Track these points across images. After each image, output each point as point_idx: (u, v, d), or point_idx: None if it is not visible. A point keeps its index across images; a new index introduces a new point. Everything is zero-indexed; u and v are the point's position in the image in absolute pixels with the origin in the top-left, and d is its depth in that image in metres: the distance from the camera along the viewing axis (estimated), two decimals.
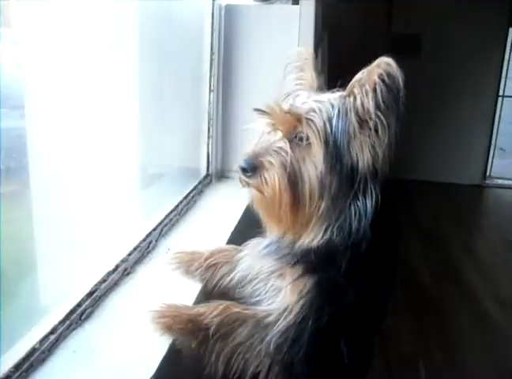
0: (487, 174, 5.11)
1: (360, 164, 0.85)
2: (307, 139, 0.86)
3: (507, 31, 4.72)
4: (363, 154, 0.85)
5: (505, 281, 2.96)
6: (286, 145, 0.87)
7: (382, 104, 0.84)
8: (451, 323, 2.43)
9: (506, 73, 4.95)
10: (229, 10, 1.65)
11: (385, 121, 0.85)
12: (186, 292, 0.99)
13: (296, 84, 1.03)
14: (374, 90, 0.84)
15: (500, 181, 5.07)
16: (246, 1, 1.72)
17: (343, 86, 0.94)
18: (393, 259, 0.96)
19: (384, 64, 0.85)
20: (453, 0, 4.54)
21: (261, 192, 0.87)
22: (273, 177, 0.85)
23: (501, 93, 5.00)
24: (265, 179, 0.86)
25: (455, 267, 3.07)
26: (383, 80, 0.84)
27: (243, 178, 0.88)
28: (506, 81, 4.97)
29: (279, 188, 0.85)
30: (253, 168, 0.87)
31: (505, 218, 4.09)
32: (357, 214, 0.86)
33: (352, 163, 0.85)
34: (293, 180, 0.85)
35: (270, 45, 1.66)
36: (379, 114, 0.85)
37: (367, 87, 0.85)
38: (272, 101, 0.90)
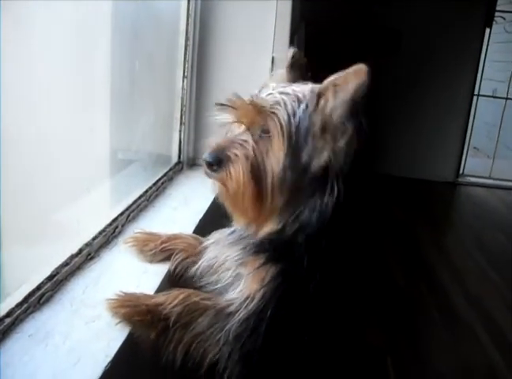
0: (461, 171, 5.17)
1: (316, 164, 0.86)
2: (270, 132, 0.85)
3: (483, 31, 4.77)
4: (319, 156, 0.86)
5: (474, 278, 3.00)
6: (249, 138, 0.86)
7: (349, 114, 0.86)
8: (420, 319, 2.45)
9: (482, 73, 5.01)
10: None
11: (348, 130, 0.87)
12: (149, 279, 0.98)
13: (269, 78, 1.02)
14: (348, 100, 0.85)
15: (472, 179, 5.14)
16: None
17: (315, 79, 0.93)
18: (351, 253, 0.97)
19: (362, 73, 0.87)
20: None
21: (225, 185, 0.86)
22: (238, 170, 0.85)
23: (476, 92, 5.06)
24: (230, 173, 0.85)
25: (426, 263, 3.10)
26: (357, 92, 0.86)
27: (208, 171, 0.87)
28: (481, 81, 5.03)
29: (243, 181, 0.84)
30: (217, 161, 0.86)
31: (476, 215, 4.13)
32: (316, 209, 0.86)
33: (311, 160, 0.85)
34: (256, 173, 0.85)
35: (246, 32, 1.65)
36: (344, 122, 0.86)
37: (342, 95, 0.86)
38: (234, 94, 0.89)
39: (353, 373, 1.16)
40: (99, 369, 0.72)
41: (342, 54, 3.13)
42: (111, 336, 0.79)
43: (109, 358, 0.74)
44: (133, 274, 1.00)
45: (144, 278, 0.98)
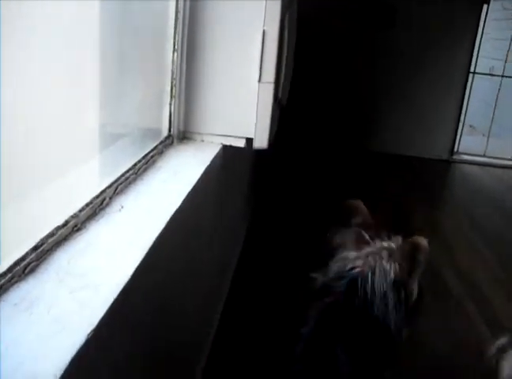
0: (455, 149, 5.17)
1: None
2: None
3: (481, 7, 4.73)
4: None
5: (466, 254, 3.02)
6: None
7: None
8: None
9: (478, 50, 4.98)
10: None
11: None
12: (134, 250, 0.98)
13: None
14: None
15: (467, 157, 5.14)
16: None
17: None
18: None
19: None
20: None
21: None
22: None
23: (472, 70, 5.04)
24: None
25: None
26: None
27: None
28: (477, 58, 5.00)
29: None
30: None
31: (469, 193, 4.15)
32: None
33: None
34: None
35: (238, 5, 1.63)
36: None
37: None
38: None
39: None
40: (82, 337, 0.72)
41: (336, 28, 3.13)
42: (95, 305, 0.79)
43: (92, 327, 0.74)
44: (119, 245, 1.00)
45: (129, 249, 0.98)
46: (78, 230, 1.04)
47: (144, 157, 1.44)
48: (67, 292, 0.83)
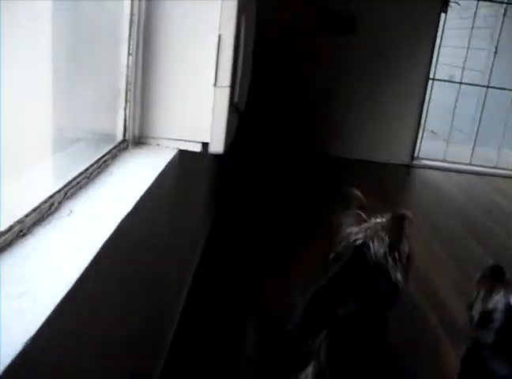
0: (416, 155, 5.26)
1: None
2: None
3: (439, 16, 4.83)
4: None
5: (424, 258, 3.07)
6: None
7: None
8: None
9: (437, 58, 5.08)
10: None
11: None
12: (82, 256, 0.96)
13: None
14: None
15: (427, 162, 5.24)
16: None
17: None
18: None
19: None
20: None
21: None
22: None
23: (432, 77, 5.14)
24: None
25: None
26: None
27: None
28: (436, 65, 5.11)
29: None
30: None
31: (428, 197, 4.21)
32: None
33: None
34: None
35: (193, 8, 1.62)
36: None
37: None
38: None
39: None
40: (20, 344, 0.70)
41: (296, 30, 3.15)
42: (35, 312, 0.77)
43: (30, 334, 0.72)
44: (65, 251, 0.98)
45: (76, 255, 0.96)
46: (23, 235, 1.01)
47: (96, 161, 1.42)
48: (7, 298, 0.81)
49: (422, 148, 5.31)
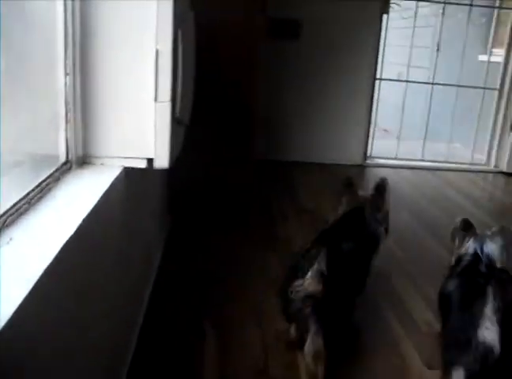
0: (369, 154, 5.35)
1: None
2: None
3: (381, 17, 4.94)
4: None
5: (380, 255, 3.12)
6: None
7: None
8: None
9: (383, 57, 5.18)
10: None
11: None
12: (19, 284, 0.94)
13: None
14: None
15: (380, 161, 5.34)
16: None
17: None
18: None
19: None
20: None
21: None
22: None
23: (380, 76, 5.24)
24: None
25: None
26: None
27: None
28: (382, 64, 5.21)
29: None
30: None
31: None
32: None
33: None
34: None
35: (128, 26, 1.61)
36: None
37: None
38: None
39: None
40: None
41: (240, 38, 3.16)
42: None
43: None
44: (3, 279, 0.95)
45: (14, 285, 0.94)
46: None
47: (38, 185, 1.39)
48: None
49: (375, 146, 5.41)
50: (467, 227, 2.04)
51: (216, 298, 2.46)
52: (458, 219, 2.08)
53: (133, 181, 1.82)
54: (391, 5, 5.05)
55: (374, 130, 5.39)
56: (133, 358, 1.95)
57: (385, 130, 8.10)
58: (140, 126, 1.65)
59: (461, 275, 1.92)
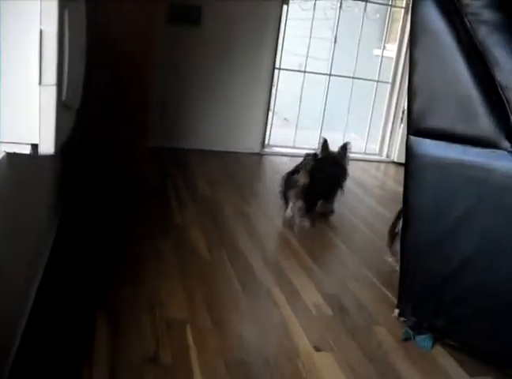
0: (267, 142, 5.44)
1: None
2: None
3: (281, 8, 5.02)
4: None
5: (271, 244, 3.20)
6: None
7: None
8: (221, 286, 2.55)
9: (282, 47, 5.27)
10: None
11: None
12: None
13: None
14: None
15: (277, 149, 5.45)
16: None
17: None
18: None
19: None
20: None
21: None
22: None
23: (279, 66, 5.32)
24: None
25: (229, 232, 3.24)
26: None
27: None
28: (281, 54, 5.30)
29: None
30: None
31: (277, 182, 4.36)
32: None
33: None
34: None
35: (12, 5, 1.53)
36: None
37: None
38: None
39: None
40: None
41: (137, 23, 3.10)
42: None
43: None
44: None
45: None
46: None
47: None
48: None
49: (274, 135, 5.51)
50: (325, 146, 3.70)
51: (109, 282, 2.42)
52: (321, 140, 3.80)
53: (17, 168, 1.74)
54: None
55: (273, 119, 5.48)
56: (19, 345, 1.89)
57: (286, 119, 8.27)
58: (23, 111, 1.57)
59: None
